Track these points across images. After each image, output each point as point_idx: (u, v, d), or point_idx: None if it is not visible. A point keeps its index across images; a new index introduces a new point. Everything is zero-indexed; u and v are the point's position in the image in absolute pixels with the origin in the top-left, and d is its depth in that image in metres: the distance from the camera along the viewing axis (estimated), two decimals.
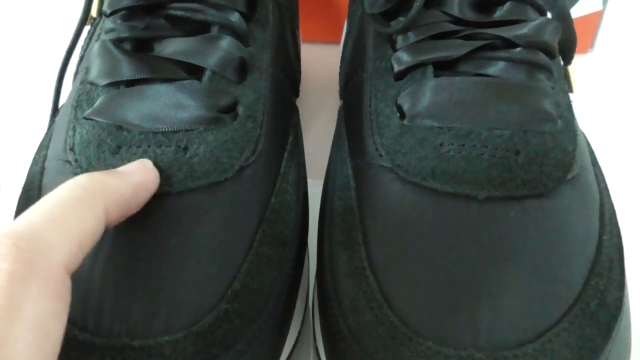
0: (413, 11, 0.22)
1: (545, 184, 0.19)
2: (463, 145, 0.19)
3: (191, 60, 0.21)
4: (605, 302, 0.18)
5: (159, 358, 0.16)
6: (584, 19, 0.39)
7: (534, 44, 0.21)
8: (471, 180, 0.19)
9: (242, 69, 0.22)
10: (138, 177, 0.19)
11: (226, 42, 0.22)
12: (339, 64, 0.31)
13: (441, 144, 0.20)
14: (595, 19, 0.39)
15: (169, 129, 0.20)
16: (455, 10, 0.22)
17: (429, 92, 0.21)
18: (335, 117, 0.26)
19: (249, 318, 0.18)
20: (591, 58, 0.41)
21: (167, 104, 0.20)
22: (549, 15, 0.23)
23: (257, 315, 0.18)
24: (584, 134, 0.23)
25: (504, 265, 0.17)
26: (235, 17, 0.23)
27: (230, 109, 0.21)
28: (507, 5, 0.22)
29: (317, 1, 0.39)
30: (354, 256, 0.19)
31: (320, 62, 0.37)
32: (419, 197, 0.19)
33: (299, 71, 0.28)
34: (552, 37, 0.22)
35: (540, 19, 0.22)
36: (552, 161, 0.19)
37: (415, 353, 0.16)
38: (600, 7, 0.39)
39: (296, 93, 0.27)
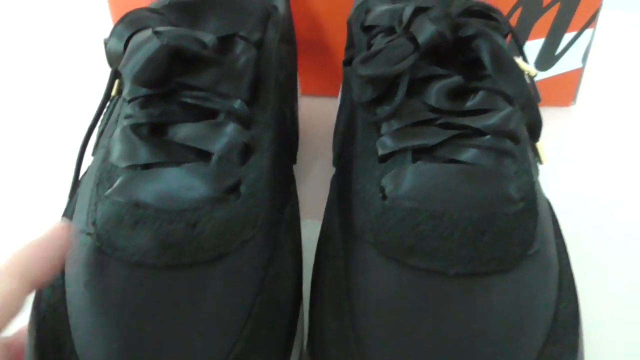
0: (396, 102, 0.24)
1: (508, 261, 0.21)
2: (437, 225, 0.22)
3: (200, 146, 0.24)
4: None
5: None
6: (565, 75, 0.42)
7: (501, 133, 0.24)
8: (443, 258, 0.21)
9: (246, 152, 0.25)
10: (51, 242, 0.23)
11: (230, 129, 0.25)
12: (335, 116, 0.34)
13: (418, 224, 0.22)
14: (576, 75, 0.42)
15: (180, 208, 0.23)
16: (432, 100, 0.25)
17: (408, 176, 0.23)
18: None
19: None
20: (574, 110, 0.43)
21: (179, 185, 0.23)
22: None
23: None
24: (548, 204, 0.26)
25: (472, 340, 0.20)
26: (238, 104, 0.26)
27: (234, 189, 0.24)
28: (479, 95, 0.25)
29: (315, 56, 0.42)
30: (341, 325, 0.22)
31: (319, 114, 0.40)
32: (398, 272, 0.22)
33: (297, 139, 0.31)
34: (517, 126, 0.25)
35: (507, 110, 0.25)
36: (515, 240, 0.22)
37: None
38: (580, 65, 0.41)
39: (293, 160, 0.30)
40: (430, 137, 0.24)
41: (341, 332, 0.22)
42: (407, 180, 0.23)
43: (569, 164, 0.39)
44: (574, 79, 0.42)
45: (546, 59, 0.41)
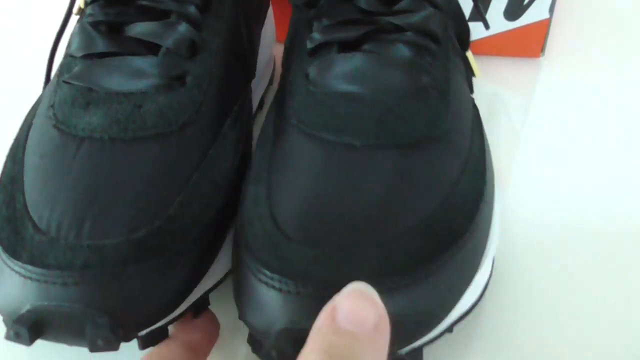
0: (322, 1, 0.27)
1: (412, 137, 0.24)
2: (350, 105, 0.24)
3: (152, 39, 0.27)
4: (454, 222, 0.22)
5: (101, 255, 0.21)
6: (533, 25, 0.43)
7: (421, 31, 0.26)
8: (353, 133, 0.24)
9: (193, 49, 0.28)
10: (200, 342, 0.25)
11: (181, 27, 0.27)
12: None
13: (333, 104, 0.25)
14: (543, 26, 0.43)
15: (128, 91, 0.25)
16: (362, 3, 0.27)
17: (330, 65, 0.26)
18: None
19: (177, 238, 0.23)
20: (542, 62, 0.45)
21: (129, 72, 0.26)
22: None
23: (184, 238, 0.23)
24: (475, 109, 0.28)
25: (362, 193, 0.22)
26: (192, 9, 0.28)
27: (180, 79, 0.26)
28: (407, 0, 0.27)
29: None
30: (258, 188, 0.24)
31: None
32: (311, 144, 0.24)
33: (254, 59, 0.34)
34: (436, 26, 0.27)
35: (428, 10, 0.27)
36: (421, 120, 0.24)
37: (287, 251, 0.21)
38: (547, 15, 0.43)
39: (249, 75, 0.33)
40: (354, 32, 0.26)
41: (257, 194, 0.24)
42: (329, 68, 0.26)
43: (538, 115, 0.40)
44: (541, 29, 0.43)
45: (514, 9, 0.43)
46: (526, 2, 0.42)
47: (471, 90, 0.30)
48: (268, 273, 0.21)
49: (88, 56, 0.27)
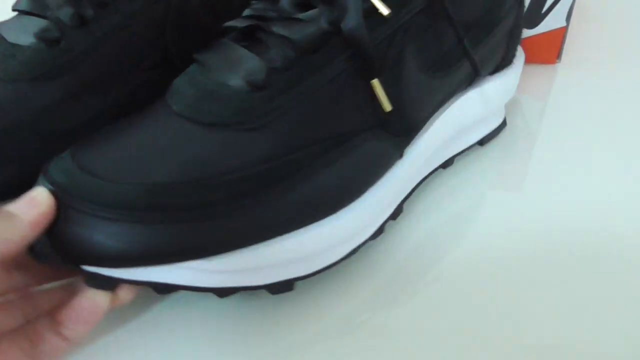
0: None
1: (210, 118, 0.27)
2: (198, 80, 0.28)
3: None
4: None
5: None
6: (550, 33, 0.45)
7: (284, 38, 0.28)
8: (177, 99, 0.28)
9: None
10: (28, 217, 0.24)
11: None
12: None
13: (191, 77, 0.28)
14: (560, 33, 0.45)
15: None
16: (277, 6, 0.29)
17: (211, 45, 0.29)
18: None
19: None
20: (558, 68, 0.47)
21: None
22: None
23: None
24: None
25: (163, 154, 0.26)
26: None
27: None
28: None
29: None
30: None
31: None
32: (157, 104, 0.29)
33: None
34: (302, 38, 0.27)
35: (313, 27, 0.28)
36: (228, 106, 0.27)
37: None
38: (564, 24, 0.45)
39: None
40: (243, 23, 0.29)
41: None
42: (209, 48, 0.29)
43: (554, 119, 0.42)
44: (558, 37, 0.45)
45: (533, 17, 0.45)
46: (544, 11, 0.44)
47: (383, 125, 0.30)
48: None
49: (17, 11, 0.32)
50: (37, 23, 0.31)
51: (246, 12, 0.30)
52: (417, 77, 0.31)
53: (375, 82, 0.28)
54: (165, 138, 0.26)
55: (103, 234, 0.24)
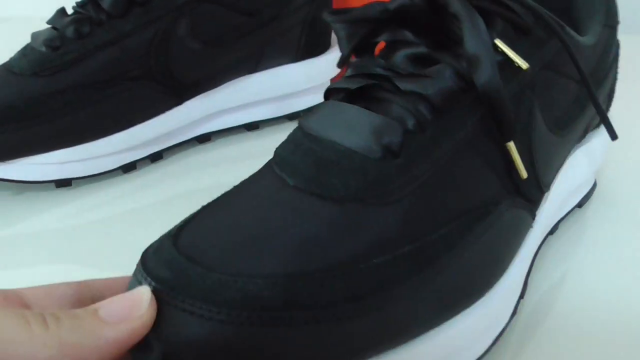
0: (343, 54, 0.26)
1: (337, 192, 0.22)
2: (301, 145, 0.24)
3: None
4: None
5: None
6: None
7: (414, 94, 0.24)
8: (292, 171, 0.23)
9: None
10: (121, 329, 0.18)
11: None
12: None
13: (291, 141, 0.24)
14: None
15: None
16: (392, 62, 0.25)
17: (316, 110, 0.25)
18: None
19: None
20: None
21: None
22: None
23: None
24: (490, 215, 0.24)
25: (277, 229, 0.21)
26: None
27: None
28: (436, 66, 0.24)
29: None
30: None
31: None
32: (263, 173, 0.24)
33: None
34: (436, 93, 0.24)
35: (437, 77, 0.24)
36: (357, 177, 0.22)
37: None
38: None
39: None
40: (354, 84, 0.25)
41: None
42: (313, 113, 0.25)
43: None
44: None
45: None
46: None
47: (519, 191, 0.26)
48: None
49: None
50: (49, 33, 0.40)
51: (348, 72, 0.26)
52: (547, 137, 0.28)
53: (511, 145, 0.25)
54: (287, 218, 0.22)
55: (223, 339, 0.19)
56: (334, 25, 0.26)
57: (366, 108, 0.24)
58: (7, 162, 0.38)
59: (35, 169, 0.38)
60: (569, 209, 0.34)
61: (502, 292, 0.25)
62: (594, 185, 0.37)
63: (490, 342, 0.25)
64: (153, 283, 0.19)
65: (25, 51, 0.40)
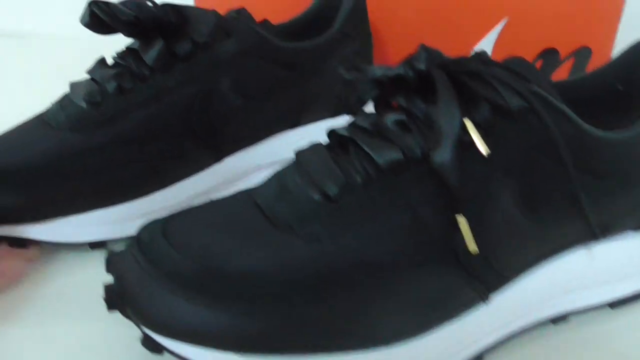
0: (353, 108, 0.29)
1: (279, 219, 0.27)
2: (283, 176, 0.28)
3: None
4: None
5: None
6: None
7: (369, 156, 0.27)
8: (258, 192, 0.29)
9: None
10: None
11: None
12: None
13: (277, 173, 0.29)
14: None
15: None
16: (378, 120, 0.28)
17: (304, 149, 0.29)
18: None
19: None
20: None
21: None
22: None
23: None
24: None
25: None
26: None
27: None
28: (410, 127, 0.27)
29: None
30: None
31: None
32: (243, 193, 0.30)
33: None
34: (386, 161, 0.26)
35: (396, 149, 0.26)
36: (295, 210, 0.27)
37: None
38: None
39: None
40: (342, 131, 0.28)
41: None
42: (302, 149, 0.29)
43: None
44: None
45: None
46: None
47: (462, 263, 0.27)
48: None
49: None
50: (89, 87, 0.38)
51: (350, 120, 0.29)
52: (516, 221, 0.27)
53: (460, 219, 0.25)
54: (239, 228, 0.27)
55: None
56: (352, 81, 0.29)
57: (336, 155, 0.28)
58: (42, 222, 0.36)
59: (70, 230, 0.37)
60: (587, 305, 0.32)
61: (423, 346, 0.27)
62: None
63: None
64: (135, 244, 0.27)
65: (63, 103, 0.38)
